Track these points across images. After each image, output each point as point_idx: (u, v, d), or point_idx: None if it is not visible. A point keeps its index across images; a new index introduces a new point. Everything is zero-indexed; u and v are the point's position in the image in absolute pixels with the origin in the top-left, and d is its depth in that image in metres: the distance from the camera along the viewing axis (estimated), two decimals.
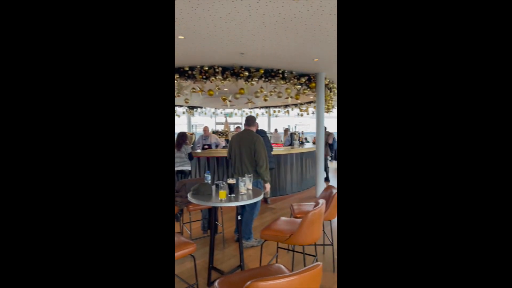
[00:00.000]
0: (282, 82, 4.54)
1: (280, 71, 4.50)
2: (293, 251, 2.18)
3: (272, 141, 8.75)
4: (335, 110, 6.86)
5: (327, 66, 4.38)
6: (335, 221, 3.53)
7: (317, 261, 1.72)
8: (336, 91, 5.82)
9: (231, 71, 4.24)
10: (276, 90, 4.94)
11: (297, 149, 5.11)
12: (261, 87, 4.87)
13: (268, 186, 2.70)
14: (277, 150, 4.80)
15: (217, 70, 4.19)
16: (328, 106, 5.84)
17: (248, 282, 0.92)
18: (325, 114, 5.18)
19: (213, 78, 4.22)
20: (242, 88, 4.74)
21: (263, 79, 4.44)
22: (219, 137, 7.06)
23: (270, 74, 4.46)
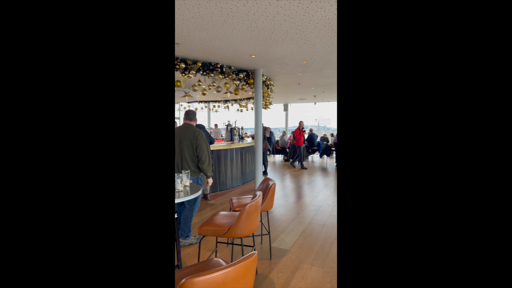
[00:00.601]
0: (220, 76, 4.49)
1: (219, 65, 4.44)
2: (232, 244, 2.21)
3: (212, 136, 8.65)
4: (272, 106, 7.18)
5: (264, 63, 4.53)
6: (271, 211, 3.73)
7: (255, 250, 1.78)
8: (273, 88, 6.08)
9: None
10: (214, 84, 4.86)
11: (237, 144, 5.17)
12: (199, 81, 4.73)
13: (210, 181, 2.67)
14: (218, 145, 4.76)
15: None
16: (265, 102, 6.06)
17: (183, 280, 0.89)
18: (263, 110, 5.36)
19: None
20: (178, 81, 4.51)
21: (201, 72, 4.31)
22: None
23: (208, 67, 4.36)
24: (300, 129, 7.40)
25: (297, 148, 7.58)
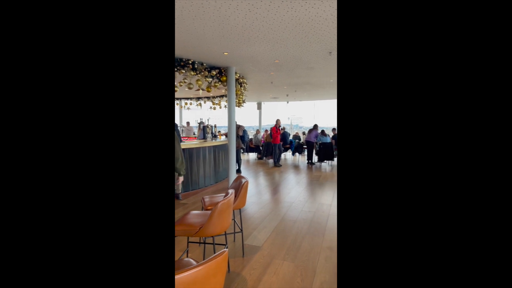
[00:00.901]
0: (192, 73, 4.39)
1: (190, 62, 4.34)
2: (204, 243, 2.18)
3: (184, 134, 8.43)
4: (245, 105, 7.18)
5: (237, 60, 4.51)
6: (244, 209, 3.74)
7: (227, 248, 1.78)
8: (246, 86, 6.08)
9: None
10: (186, 81, 4.74)
11: (210, 142, 5.10)
12: None
13: (181, 179, 2.60)
14: (190, 143, 4.65)
15: None
16: (239, 100, 6.05)
17: None
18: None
19: None
20: None
21: None
22: None
23: (179, 63, 4.24)
24: (277, 127, 7.45)
25: (273, 146, 7.62)
